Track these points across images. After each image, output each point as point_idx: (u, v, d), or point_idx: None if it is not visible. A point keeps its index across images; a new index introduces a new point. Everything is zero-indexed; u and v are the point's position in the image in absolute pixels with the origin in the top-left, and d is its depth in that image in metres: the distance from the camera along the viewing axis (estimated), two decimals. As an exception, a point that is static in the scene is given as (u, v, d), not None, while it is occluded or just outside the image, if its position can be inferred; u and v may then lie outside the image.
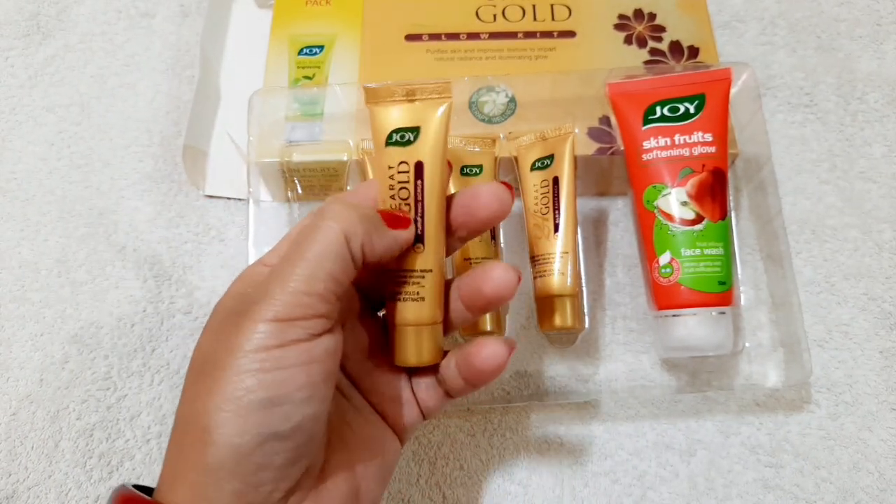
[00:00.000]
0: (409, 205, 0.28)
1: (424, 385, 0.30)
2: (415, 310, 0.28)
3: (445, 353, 0.29)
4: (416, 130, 0.28)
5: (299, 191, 0.42)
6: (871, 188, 0.44)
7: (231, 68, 0.49)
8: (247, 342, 0.23)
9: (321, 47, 0.45)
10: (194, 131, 0.45)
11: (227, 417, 0.23)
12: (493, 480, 0.38)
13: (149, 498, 0.24)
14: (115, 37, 0.50)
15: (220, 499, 0.23)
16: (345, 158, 0.40)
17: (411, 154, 0.28)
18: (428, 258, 0.28)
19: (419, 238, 0.28)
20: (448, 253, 0.29)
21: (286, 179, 0.42)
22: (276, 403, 0.23)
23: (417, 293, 0.28)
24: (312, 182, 0.42)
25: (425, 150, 0.28)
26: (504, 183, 0.29)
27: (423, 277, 0.28)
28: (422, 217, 0.28)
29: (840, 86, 0.48)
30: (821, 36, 0.49)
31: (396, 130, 0.28)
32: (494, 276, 0.28)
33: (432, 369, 0.30)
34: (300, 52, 0.45)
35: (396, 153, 0.28)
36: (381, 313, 0.31)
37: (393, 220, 0.27)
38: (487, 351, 0.28)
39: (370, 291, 0.30)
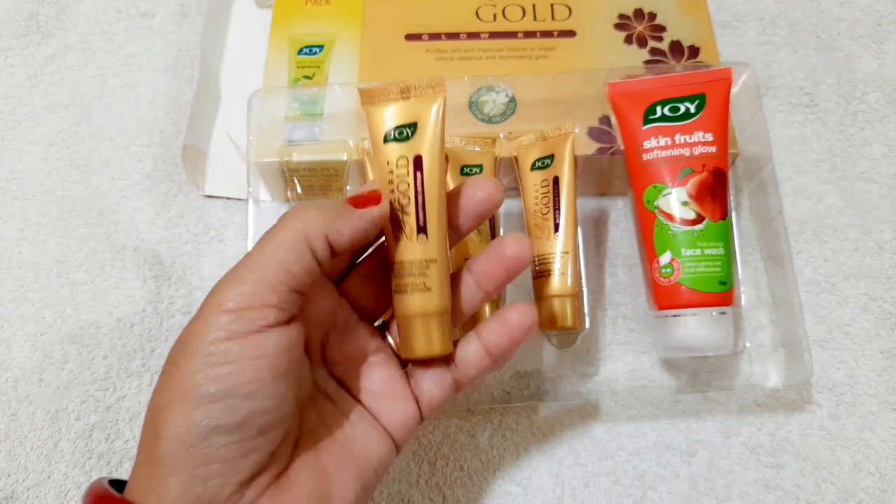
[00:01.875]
0: (408, 198, 0.28)
1: (432, 378, 0.30)
2: (422, 300, 0.28)
3: (455, 343, 0.30)
4: (413, 126, 0.28)
5: (299, 191, 0.42)
6: (871, 188, 0.44)
7: (231, 68, 0.49)
8: (197, 337, 0.24)
9: (321, 47, 0.45)
10: (194, 131, 0.45)
11: (174, 412, 0.23)
12: (493, 481, 0.38)
13: (116, 493, 0.25)
14: (115, 37, 0.50)
15: (168, 491, 0.23)
16: (345, 158, 0.40)
17: (410, 149, 0.28)
18: (432, 248, 0.28)
19: (422, 229, 0.28)
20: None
21: (286, 179, 0.42)
22: (219, 397, 0.23)
23: (424, 283, 0.28)
24: (312, 182, 0.42)
25: (424, 143, 0.28)
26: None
27: (429, 268, 0.28)
28: (423, 209, 0.28)
29: (840, 86, 0.48)
30: (821, 36, 0.49)
31: (396, 127, 0.29)
32: (508, 249, 0.29)
33: (443, 361, 0.30)
34: (300, 52, 0.45)
35: (395, 149, 0.28)
36: (376, 323, 0.31)
37: (360, 200, 0.27)
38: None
39: (363, 301, 0.30)
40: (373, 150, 0.29)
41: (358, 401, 0.29)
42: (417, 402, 0.30)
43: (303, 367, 0.28)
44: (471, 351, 0.29)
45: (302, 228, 0.25)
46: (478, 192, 0.29)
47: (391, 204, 0.28)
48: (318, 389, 0.29)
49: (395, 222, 0.28)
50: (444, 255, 0.29)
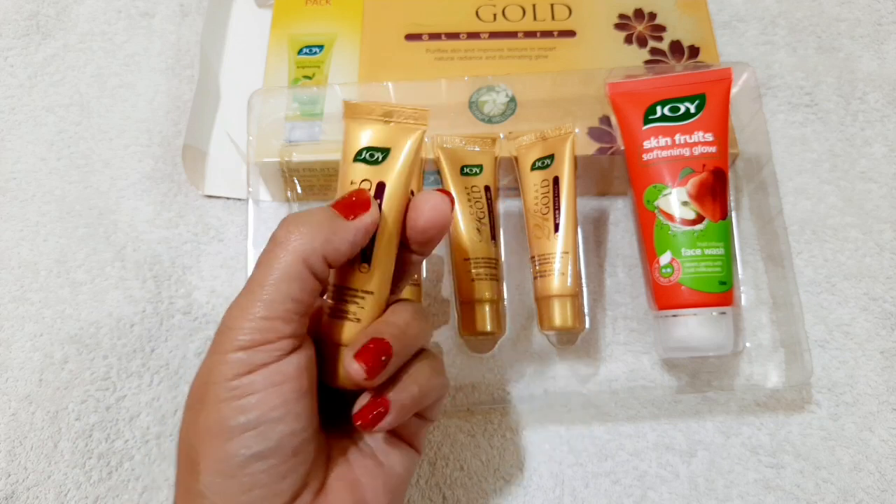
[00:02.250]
0: None
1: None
2: (350, 331, 0.27)
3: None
4: (385, 151, 0.28)
5: (299, 191, 0.42)
6: (871, 188, 0.44)
7: (231, 68, 0.49)
8: (219, 374, 0.24)
9: (321, 47, 0.45)
10: (194, 131, 0.45)
11: (209, 446, 0.24)
12: (493, 481, 0.38)
13: None
14: (114, 37, 0.50)
15: None
16: (344, 158, 0.40)
17: (376, 173, 0.28)
18: (371, 280, 0.27)
19: (366, 258, 0.27)
20: (405, 274, 0.29)
21: (286, 179, 0.42)
22: (251, 426, 0.24)
23: (355, 314, 0.27)
24: (312, 182, 0.42)
25: (390, 172, 0.28)
26: (441, 191, 0.28)
27: (364, 299, 0.27)
28: (372, 238, 0.27)
29: (841, 86, 0.47)
30: (821, 36, 0.49)
31: (367, 148, 0.28)
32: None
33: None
34: (300, 52, 0.45)
35: (361, 170, 0.28)
36: None
37: (349, 207, 0.26)
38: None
39: None
40: (342, 163, 0.28)
41: None
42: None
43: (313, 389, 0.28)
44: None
45: (301, 251, 0.25)
46: (419, 219, 0.28)
47: None
48: None
49: None
50: (383, 290, 0.28)
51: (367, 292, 0.27)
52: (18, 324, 0.41)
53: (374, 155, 0.28)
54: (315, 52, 0.45)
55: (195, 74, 0.47)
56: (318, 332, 0.28)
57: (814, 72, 0.48)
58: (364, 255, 0.27)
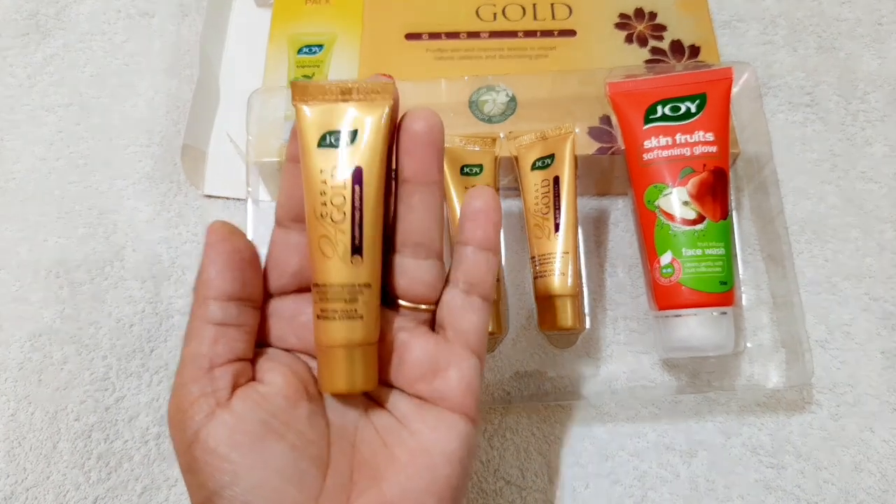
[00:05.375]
0: (343, 213, 0.25)
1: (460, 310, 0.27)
2: (349, 329, 0.25)
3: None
4: (353, 133, 0.26)
5: (299, 191, 0.42)
6: (872, 188, 0.44)
7: (231, 68, 0.49)
8: (175, 450, 0.24)
9: (321, 46, 0.45)
10: (193, 131, 0.45)
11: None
12: (493, 481, 0.38)
13: None
14: (114, 36, 0.50)
15: None
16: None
17: (348, 158, 0.25)
18: (366, 272, 0.25)
19: (357, 249, 0.25)
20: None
21: (286, 179, 0.42)
22: (225, 489, 0.23)
23: (354, 310, 0.25)
24: (312, 182, 0.42)
25: (365, 154, 0.25)
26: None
27: (361, 293, 0.25)
28: (360, 226, 0.25)
29: (841, 85, 0.47)
30: (822, 35, 0.49)
31: (332, 132, 0.26)
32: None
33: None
34: (300, 52, 0.45)
35: (330, 156, 0.25)
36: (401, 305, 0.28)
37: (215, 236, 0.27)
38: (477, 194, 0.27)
39: None
40: (302, 154, 0.26)
41: (418, 399, 0.26)
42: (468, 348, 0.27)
43: (297, 412, 0.25)
44: (467, 257, 0.27)
45: (206, 357, 0.25)
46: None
47: (321, 217, 0.25)
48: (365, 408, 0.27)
49: (324, 239, 0.25)
50: (378, 279, 0.26)
51: (363, 285, 0.25)
52: (18, 324, 0.41)
53: (342, 138, 0.26)
54: (315, 52, 0.45)
55: (195, 74, 0.47)
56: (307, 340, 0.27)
57: (814, 72, 0.48)
58: (354, 246, 0.25)
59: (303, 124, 0.26)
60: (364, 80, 0.26)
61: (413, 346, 0.27)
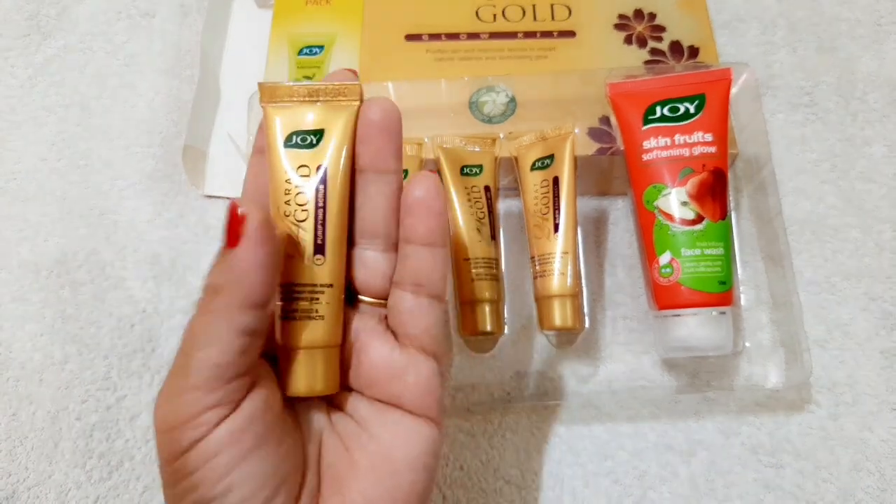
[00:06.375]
0: (307, 212, 0.25)
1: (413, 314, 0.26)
2: (311, 330, 0.25)
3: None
4: (318, 133, 0.26)
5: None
6: (871, 188, 0.44)
7: (231, 68, 0.49)
8: (159, 455, 0.23)
9: (321, 47, 0.45)
10: (194, 131, 0.45)
11: None
12: (493, 481, 0.38)
13: None
14: (114, 37, 0.50)
15: None
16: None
17: (313, 158, 0.25)
18: (328, 272, 0.25)
19: (320, 248, 0.25)
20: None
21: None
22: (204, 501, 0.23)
23: (316, 311, 0.25)
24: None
25: (330, 154, 0.26)
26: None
27: (323, 293, 0.25)
28: (323, 225, 0.25)
29: (840, 86, 0.47)
30: (821, 36, 0.49)
31: (298, 132, 0.26)
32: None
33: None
34: (300, 52, 0.45)
35: (296, 156, 0.26)
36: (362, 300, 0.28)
37: (232, 237, 0.23)
38: (418, 184, 0.25)
39: None
40: (269, 152, 0.26)
41: (382, 403, 0.26)
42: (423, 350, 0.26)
43: (287, 417, 0.25)
44: (409, 256, 0.26)
45: (212, 360, 0.23)
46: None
47: (284, 217, 0.25)
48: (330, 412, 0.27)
49: (287, 238, 0.25)
50: (341, 279, 0.26)
51: (325, 285, 0.25)
52: (18, 324, 0.41)
53: (307, 138, 0.26)
54: (315, 53, 0.45)
55: (195, 74, 0.47)
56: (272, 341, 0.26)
57: (814, 72, 0.48)
58: (317, 245, 0.25)
59: (268, 123, 0.26)
60: (328, 73, 0.26)
61: (370, 348, 0.26)
